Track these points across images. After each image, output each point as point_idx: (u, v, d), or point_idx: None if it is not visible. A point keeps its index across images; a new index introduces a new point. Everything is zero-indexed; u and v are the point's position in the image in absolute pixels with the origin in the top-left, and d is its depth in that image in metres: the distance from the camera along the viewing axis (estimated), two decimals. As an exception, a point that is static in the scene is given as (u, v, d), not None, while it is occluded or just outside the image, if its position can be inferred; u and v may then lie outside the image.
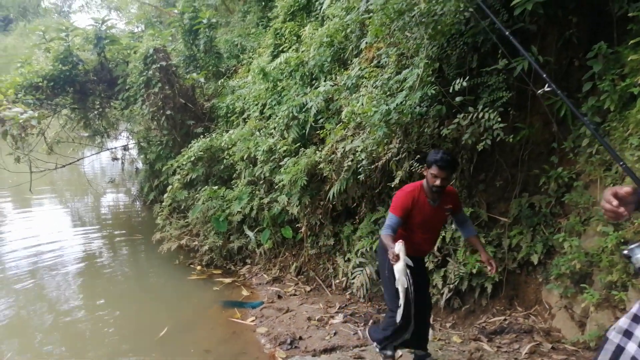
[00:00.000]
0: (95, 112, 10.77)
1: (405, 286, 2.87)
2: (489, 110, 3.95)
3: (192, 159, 7.64)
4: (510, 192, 4.67)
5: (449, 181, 3.17)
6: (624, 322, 1.73)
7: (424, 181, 3.24)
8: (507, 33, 2.80)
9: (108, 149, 13.15)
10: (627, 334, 1.67)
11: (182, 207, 7.99)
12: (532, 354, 3.62)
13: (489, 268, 3.29)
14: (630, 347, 1.65)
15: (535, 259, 4.28)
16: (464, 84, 4.01)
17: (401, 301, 2.95)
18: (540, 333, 3.99)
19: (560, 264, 3.93)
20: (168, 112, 8.73)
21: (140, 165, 12.49)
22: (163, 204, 7.61)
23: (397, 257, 2.79)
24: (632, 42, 3.47)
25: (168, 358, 4.65)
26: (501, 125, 3.90)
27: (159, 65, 8.62)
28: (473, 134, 4.14)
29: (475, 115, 4.04)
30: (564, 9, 3.97)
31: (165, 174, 8.79)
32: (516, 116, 4.37)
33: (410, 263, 2.90)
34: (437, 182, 3.06)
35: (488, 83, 4.24)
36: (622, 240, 3.43)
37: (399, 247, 2.82)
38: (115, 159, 13.87)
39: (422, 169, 3.21)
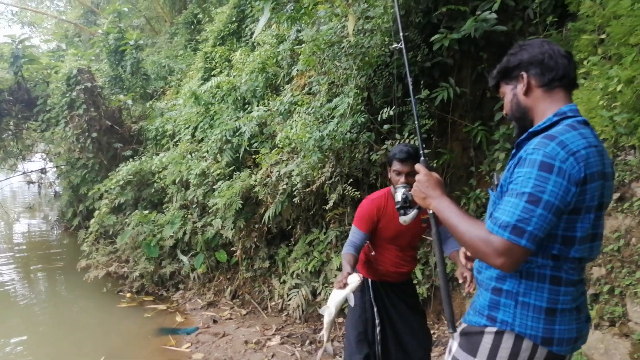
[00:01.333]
0: (10, 134, 10.17)
1: (330, 318, 2.32)
2: (414, 137, 4.27)
3: (121, 182, 7.42)
4: (434, 212, 5.00)
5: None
6: None
7: (391, 187, 2.74)
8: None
9: (23, 173, 12.39)
10: None
11: (110, 233, 7.71)
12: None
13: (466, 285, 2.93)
14: None
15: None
16: (391, 112, 4.31)
17: (324, 334, 2.37)
18: (465, 343, 4.29)
19: (481, 277, 4.27)
20: (94, 135, 8.46)
21: (58, 189, 11.86)
22: (89, 229, 7.30)
23: (344, 286, 2.33)
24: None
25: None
26: (425, 151, 4.20)
27: (83, 87, 8.36)
28: (400, 159, 4.42)
29: (401, 141, 4.33)
30: (476, 46, 4.39)
31: (91, 198, 8.44)
32: (438, 142, 4.74)
33: (352, 303, 2.38)
34: (402, 179, 2.56)
35: (412, 112, 4.56)
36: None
37: (353, 281, 2.33)
38: (30, 182, 13.07)
39: (387, 171, 2.75)
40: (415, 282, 4.71)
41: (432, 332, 4.56)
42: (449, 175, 4.86)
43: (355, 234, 2.74)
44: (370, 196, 2.82)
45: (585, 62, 3.63)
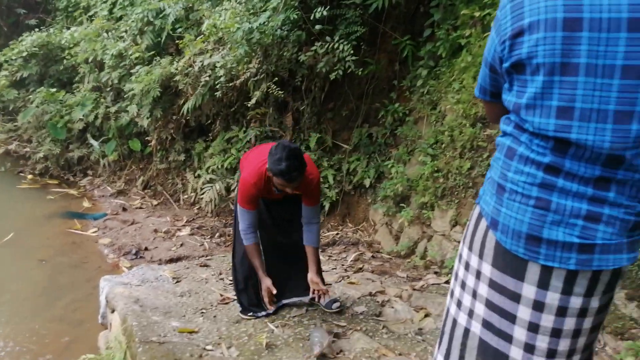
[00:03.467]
0: None
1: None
2: (344, 42, 4.23)
3: (24, 54, 6.74)
4: (353, 122, 5.13)
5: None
6: (453, 283, 1.48)
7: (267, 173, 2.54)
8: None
9: None
10: (458, 303, 1.44)
11: (11, 109, 7.10)
12: (355, 261, 4.23)
13: (311, 291, 2.81)
14: (461, 319, 1.43)
15: (367, 182, 4.86)
16: (325, 12, 4.19)
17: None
18: (365, 245, 4.65)
19: (387, 187, 4.54)
20: (-9, -5, 7.44)
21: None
22: (-15, 102, 6.68)
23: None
24: (465, -2, 3.98)
25: (-4, 267, 4.37)
26: (353, 58, 4.22)
27: None
28: (327, 63, 4.41)
29: (331, 45, 4.29)
30: (418, -44, 4.32)
31: (-12, 68, 7.61)
32: (366, 51, 4.74)
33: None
34: (288, 190, 2.48)
35: (346, 16, 4.49)
36: (436, 169, 4.10)
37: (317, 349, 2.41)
38: None
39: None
40: (326, 185, 4.91)
41: (336, 232, 4.89)
42: (372, 87, 4.94)
43: (246, 214, 2.63)
44: (250, 179, 2.57)
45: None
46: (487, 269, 1.31)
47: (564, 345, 1.27)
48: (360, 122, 5.05)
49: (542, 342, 1.27)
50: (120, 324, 2.77)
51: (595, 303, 1.24)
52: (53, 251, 4.67)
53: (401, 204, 4.43)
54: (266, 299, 2.76)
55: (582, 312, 1.25)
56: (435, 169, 4.08)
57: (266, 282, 2.72)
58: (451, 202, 3.90)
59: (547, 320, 1.25)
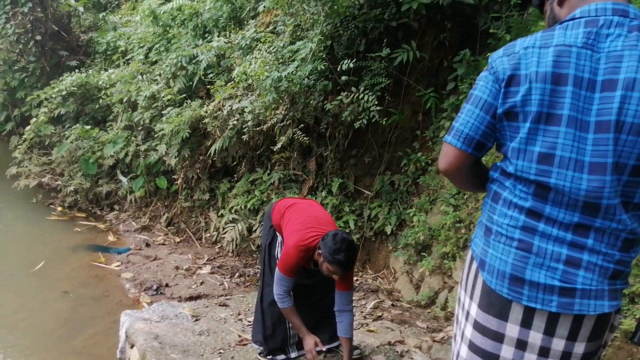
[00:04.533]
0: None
1: None
2: (369, 93, 4.38)
3: (64, 93, 7.08)
4: (376, 169, 5.22)
5: None
6: (455, 327, 1.52)
7: (315, 252, 2.60)
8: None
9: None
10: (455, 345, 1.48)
11: (47, 144, 7.41)
12: (375, 309, 4.21)
13: None
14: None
15: (389, 229, 4.88)
16: (351, 65, 4.37)
17: None
18: (384, 292, 4.63)
19: (408, 235, 4.56)
20: (37, 38, 7.93)
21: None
22: (24, 136, 6.98)
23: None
24: (488, 54, 4.10)
25: (19, 298, 4.47)
26: (377, 108, 4.36)
27: (31, -17, 7.73)
28: (352, 112, 4.55)
29: (356, 95, 4.44)
30: (442, 13, 4.50)
31: (28, 104, 8.00)
32: (390, 102, 4.88)
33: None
34: (337, 277, 2.59)
35: (371, 67, 4.66)
36: (458, 219, 4.12)
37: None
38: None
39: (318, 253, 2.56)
40: (347, 230, 4.95)
41: (355, 278, 4.88)
42: (395, 136, 5.05)
43: (285, 280, 2.64)
44: (297, 253, 2.58)
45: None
46: (473, 310, 1.36)
47: None
48: (382, 169, 5.13)
49: None
50: (139, 359, 2.80)
51: (580, 349, 1.27)
52: (77, 283, 4.77)
53: (422, 253, 4.43)
54: (309, 356, 2.70)
55: (566, 356, 1.27)
56: (457, 219, 4.10)
57: (311, 341, 2.69)
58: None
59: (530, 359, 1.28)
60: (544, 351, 1.27)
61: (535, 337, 1.27)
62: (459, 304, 1.46)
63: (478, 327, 1.34)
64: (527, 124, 1.23)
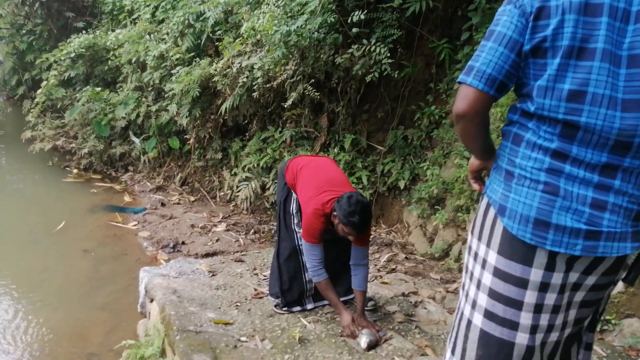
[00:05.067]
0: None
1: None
2: (380, 45, 4.26)
3: (72, 55, 7.03)
4: (388, 124, 5.15)
5: None
6: (463, 276, 1.49)
7: (331, 214, 2.58)
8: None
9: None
10: (467, 295, 1.44)
11: (59, 107, 7.43)
12: (389, 262, 4.25)
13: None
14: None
15: (402, 184, 4.86)
16: (362, 16, 4.24)
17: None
18: (398, 246, 4.66)
19: (422, 189, 4.54)
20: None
21: (0, 57, 11.10)
22: (36, 100, 7.00)
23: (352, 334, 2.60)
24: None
25: (42, 258, 4.59)
26: (389, 60, 4.25)
27: (33, -58, 7.56)
28: (364, 65, 4.44)
29: (367, 48, 4.32)
30: (458, -40, 4.31)
31: (38, 67, 8.00)
32: (403, 54, 4.75)
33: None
34: (352, 238, 2.61)
35: (383, 19, 4.52)
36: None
37: (365, 342, 2.52)
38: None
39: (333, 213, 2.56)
40: (360, 186, 4.95)
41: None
42: (408, 89, 4.94)
43: (314, 249, 2.63)
44: (317, 219, 2.58)
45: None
46: (492, 257, 1.32)
47: (560, 319, 1.31)
48: (395, 124, 5.06)
49: (544, 320, 1.30)
50: (158, 313, 2.89)
51: (590, 280, 1.28)
52: (96, 242, 4.88)
53: (436, 206, 4.42)
54: (347, 331, 2.64)
55: (576, 287, 1.29)
56: (471, 171, 4.06)
57: (348, 317, 2.64)
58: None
59: (550, 299, 1.28)
60: (563, 288, 1.28)
61: (558, 277, 1.26)
62: (470, 253, 1.43)
63: (499, 274, 1.30)
64: (556, 59, 1.15)
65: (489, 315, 1.33)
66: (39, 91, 7.03)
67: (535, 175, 1.23)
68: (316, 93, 4.73)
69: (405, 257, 4.38)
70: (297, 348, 2.47)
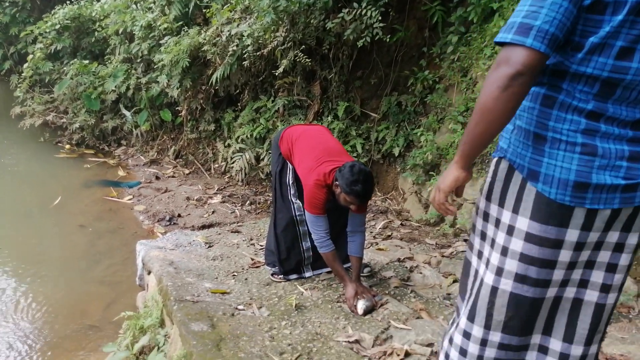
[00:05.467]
0: None
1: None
2: (372, 9, 4.17)
3: (57, 27, 6.88)
4: (382, 90, 5.09)
5: None
6: (479, 243, 1.47)
7: (332, 184, 2.58)
8: None
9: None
10: (486, 262, 1.42)
11: (47, 81, 7.30)
12: (384, 229, 4.27)
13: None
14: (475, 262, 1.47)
15: (396, 151, 4.85)
16: (352, -22, 4.14)
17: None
18: (393, 213, 4.68)
19: (416, 155, 4.52)
20: (23, -31, 7.57)
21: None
22: (23, 74, 6.87)
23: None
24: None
25: (39, 234, 4.59)
26: (381, 24, 4.16)
27: None
28: (355, 30, 4.35)
29: (358, 11, 4.23)
30: None
31: (23, 41, 7.81)
32: (395, 18, 4.66)
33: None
34: (354, 207, 2.60)
35: (373, -20, 4.41)
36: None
37: (361, 307, 2.54)
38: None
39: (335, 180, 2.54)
40: (354, 154, 4.92)
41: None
42: (401, 54, 4.87)
43: (318, 220, 2.63)
44: (319, 190, 2.58)
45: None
46: (523, 223, 1.29)
47: (596, 277, 1.32)
48: (389, 90, 5.00)
49: (576, 275, 1.32)
50: (156, 284, 2.90)
51: (633, 239, 1.28)
52: (92, 217, 4.87)
53: (430, 173, 4.41)
54: (350, 303, 2.60)
55: (618, 247, 1.29)
56: (465, 136, 4.04)
57: (352, 290, 2.61)
58: (482, 170, 3.86)
59: (584, 256, 1.29)
60: (598, 245, 1.29)
61: (593, 236, 1.27)
62: (487, 219, 1.39)
63: (533, 239, 1.28)
64: (618, 16, 1.09)
65: (520, 278, 1.32)
66: (25, 65, 6.89)
67: (571, 138, 1.20)
68: (308, 60, 4.66)
69: (401, 224, 4.40)
70: (294, 314, 2.50)
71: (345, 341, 2.22)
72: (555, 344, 1.40)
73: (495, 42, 1.16)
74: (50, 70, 7.11)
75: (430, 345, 2.20)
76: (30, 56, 6.92)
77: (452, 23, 4.36)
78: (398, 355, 2.03)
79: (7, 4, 8.12)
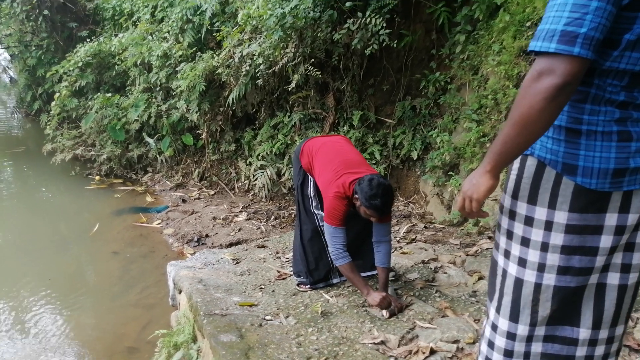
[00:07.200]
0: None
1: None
2: (376, 16, 4.24)
3: (80, 64, 7.18)
4: (395, 96, 5.13)
5: None
6: (506, 243, 1.45)
7: (352, 196, 2.62)
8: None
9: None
10: (521, 262, 1.41)
11: (74, 117, 7.61)
12: (408, 233, 4.28)
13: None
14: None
15: (415, 155, 4.87)
16: (355, -10, 4.22)
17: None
18: (417, 216, 4.68)
19: (434, 157, 4.53)
20: (45, 12, 7.96)
21: (14, 74, 11.37)
22: (51, 112, 7.19)
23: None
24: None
25: (76, 263, 4.77)
26: (387, 31, 4.22)
27: (29, -43, 7.68)
28: (362, 38, 4.43)
29: (363, 20, 4.31)
30: None
31: (49, 81, 8.19)
32: (401, 23, 4.71)
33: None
34: (373, 219, 2.64)
35: (377, -10, 4.48)
36: (482, 134, 4.05)
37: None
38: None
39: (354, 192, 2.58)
40: (373, 162, 4.96)
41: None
42: (411, 58, 4.91)
43: (337, 232, 2.65)
44: (340, 202, 2.62)
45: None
46: (562, 217, 1.30)
47: (637, 258, 1.34)
48: (402, 95, 5.04)
49: (617, 259, 1.35)
50: (186, 301, 2.99)
51: None
52: (124, 244, 5.04)
53: (450, 173, 4.41)
54: (383, 306, 2.61)
55: None
56: (482, 134, 4.04)
57: (376, 296, 2.60)
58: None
59: (624, 239, 1.31)
60: (638, 226, 1.31)
61: (633, 218, 1.29)
62: (517, 219, 1.38)
63: (574, 229, 1.30)
64: None
65: (563, 270, 1.34)
66: (52, 103, 7.21)
67: (607, 127, 1.22)
68: (318, 72, 4.74)
69: (425, 227, 4.40)
70: (320, 321, 2.54)
71: (371, 343, 2.25)
72: (588, 331, 1.42)
73: (532, 52, 1.14)
74: (76, 106, 7.41)
75: (456, 341, 2.21)
76: (57, 94, 7.24)
77: (459, 22, 4.39)
78: (423, 353, 2.05)
79: (33, 47, 8.53)
